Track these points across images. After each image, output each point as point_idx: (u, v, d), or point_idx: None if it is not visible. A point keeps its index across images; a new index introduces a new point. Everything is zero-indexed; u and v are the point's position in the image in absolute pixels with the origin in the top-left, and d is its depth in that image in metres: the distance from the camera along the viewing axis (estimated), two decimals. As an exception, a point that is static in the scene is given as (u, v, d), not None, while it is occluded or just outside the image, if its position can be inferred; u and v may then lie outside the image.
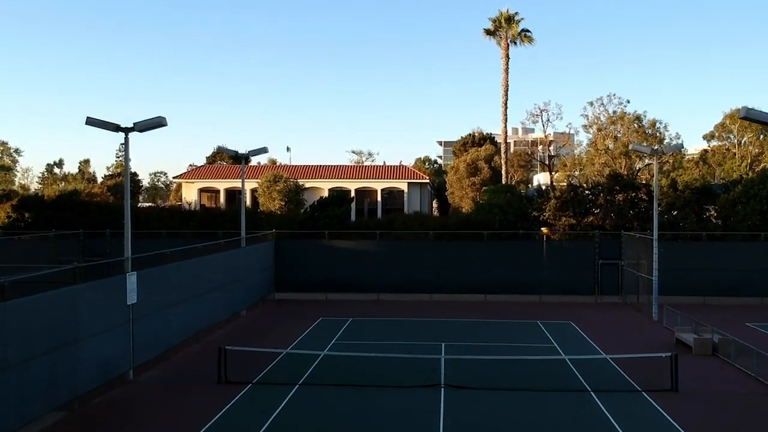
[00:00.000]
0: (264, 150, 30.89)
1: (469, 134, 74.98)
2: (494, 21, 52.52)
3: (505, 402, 17.00)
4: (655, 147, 63.10)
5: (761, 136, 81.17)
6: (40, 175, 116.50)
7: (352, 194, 60.43)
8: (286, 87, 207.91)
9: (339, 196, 40.34)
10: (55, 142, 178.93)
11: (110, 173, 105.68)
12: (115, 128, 19.01)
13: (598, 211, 37.87)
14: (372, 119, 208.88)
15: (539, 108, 68.38)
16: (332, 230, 36.23)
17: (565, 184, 52.88)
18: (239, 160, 32.23)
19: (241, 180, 31.63)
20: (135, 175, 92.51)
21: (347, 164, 79.48)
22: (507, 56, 51.95)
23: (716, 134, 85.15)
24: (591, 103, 62.89)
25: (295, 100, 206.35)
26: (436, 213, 77.90)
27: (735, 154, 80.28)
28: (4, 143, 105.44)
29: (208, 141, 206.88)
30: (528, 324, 27.73)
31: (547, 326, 27.14)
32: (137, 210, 41.41)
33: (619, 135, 59.91)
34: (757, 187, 35.85)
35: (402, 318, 29.03)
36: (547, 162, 68.27)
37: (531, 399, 17.20)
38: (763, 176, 37.05)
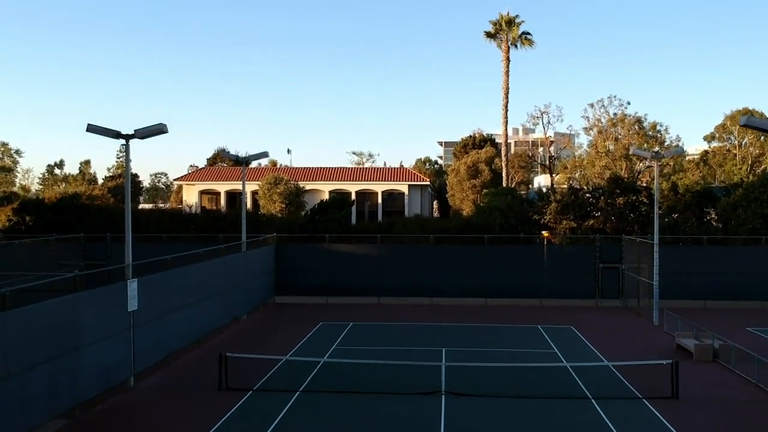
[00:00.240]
0: (264, 154, 30.93)
1: (470, 136, 74.99)
2: (495, 24, 52.55)
3: (506, 409, 17.00)
4: (656, 149, 63.38)
5: (762, 138, 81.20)
6: (41, 176, 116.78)
7: (353, 196, 60.42)
8: (287, 88, 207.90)
9: (340, 199, 40.33)
10: (55, 143, 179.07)
11: (111, 174, 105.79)
12: (116, 135, 18.98)
13: (598, 214, 37.86)
14: (373, 120, 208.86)
15: (540, 110, 68.48)
16: (333, 234, 36.23)
17: (565, 186, 52.91)
18: (240, 162, 32.22)
19: (242, 184, 31.62)
20: (135, 176, 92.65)
21: (348, 166, 79.52)
22: (507, 59, 51.96)
23: (717, 135, 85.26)
24: (592, 105, 63.03)
25: (296, 101, 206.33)
26: (436, 214, 77.96)
27: (735, 155, 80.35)
28: (4, 144, 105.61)
29: (209, 142, 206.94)
30: (529, 328, 27.74)
31: (548, 331, 27.15)
32: (138, 213, 41.48)
33: (619, 137, 59.97)
34: (758, 190, 35.84)
35: (403, 322, 29.03)
36: (547, 164, 68.26)
37: (531, 406, 17.20)
38: (764, 180, 37.04)
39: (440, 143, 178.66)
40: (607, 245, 34.47)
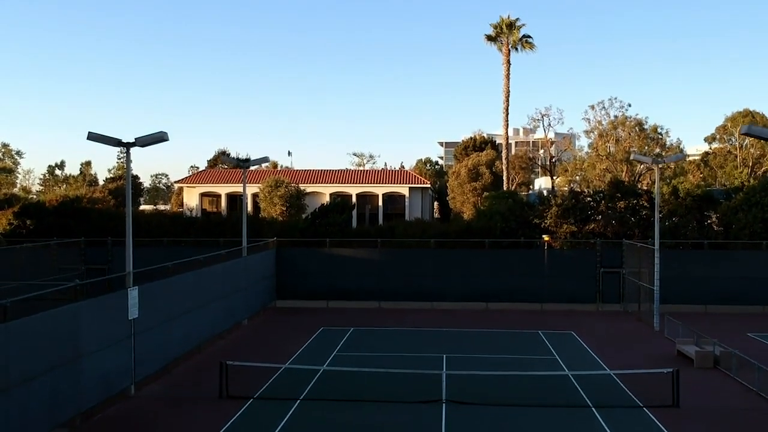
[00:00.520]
0: (265, 159, 30.93)
1: (471, 138, 75.05)
2: (495, 27, 52.54)
3: (507, 418, 17.00)
4: (657, 151, 63.47)
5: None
6: (42, 177, 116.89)
7: (354, 199, 60.55)
8: (288, 89, 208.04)
9: (340, 203, 40.36)
10: (56, 144, 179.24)
11: (112, 176, 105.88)
12: (117, 143, 19.00)
13: (599, 218, 37.84)
14: (373, 121, 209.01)
15: (540, 113, 68.56)
16: (333, 238, 36.23)
17: (566, 189, 52.91)
18: (241, 166, 32.22)
19: (242, 187, 31.60)
20: (136, 177, 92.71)
21: (348, 169, 79.48)
22: (508, 62, 51.95)
23: (717, 136, 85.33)
24: (592, 107, 63.05)
25: (297, 102, 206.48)
26: (437, 215, 77.97)
27: (736, 156, 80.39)
28: (5, 145, 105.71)
29: (210, 142, 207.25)
30: (529, 334, 27.73)
31: (549, 336, 27.13)
32: (139, 216, 41.47)
33: (620, 138, 59.96)
34: (758, 194, 35.84)
35: (403, 328, 29.02)
36: (548, 166, 68.26)
37: (532, 415, 17.19)
38: (765, 184, 37.04)
39: (441, 143, 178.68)
40: (608, 250, 34.46)
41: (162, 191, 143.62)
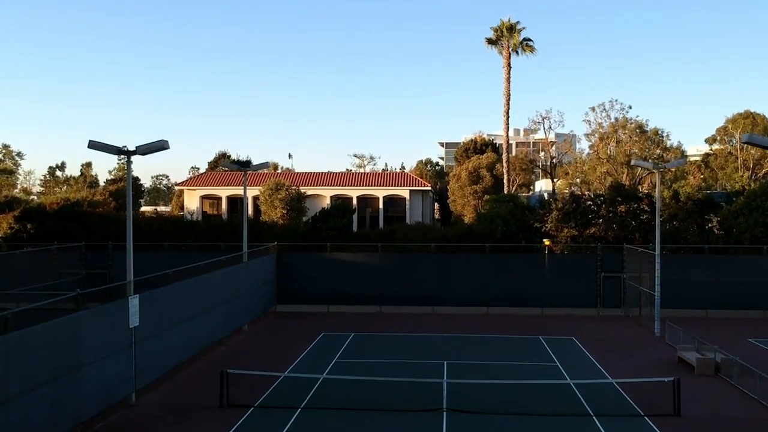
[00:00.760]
0: (265, 165, 30.95)
1: (471, 140, 75.04)
2: (496, 30, 52.47)
3: (507, 426, 16.98)
4: (657, 153, 63.41)
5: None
6: (42, 177, 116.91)
7: (354, 201, 60.50)
8: (289, 89, 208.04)
9: (341, 207, 40.31)
10: (57, 144, 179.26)
11: (113, 177, 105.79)
12: (117, 151, 19.01)
13: (600, 221, 37.81)
14: (374, 122, 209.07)
15: (541, 115, 68.56)
16: (334, 242, 36.22)
17: (566, 191, 52.90)
18: (243, 166, 32.21)
19: (243, 191, 31.55)
20: (137, 179, 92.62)
21: (349, 171, 79.53)
22: (508, 65, 51.92)
23: (718, 138, 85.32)
24: (593, 109, 63.05)
25: (297, 103, 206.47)
26: (437, 216, 77.97)
27: (737, 158, 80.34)
28: (6, 146, 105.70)
29: (210, 143, 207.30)
30: (530, 340, 27.70)
31: (549, 342, 27.11)
32: (139, 220, 41.43)
33: (621, 140, 59.91)
34: (759, 199, 35.80)
35: (404, 333, 29.01)
36: (548, 169, 68.24)
37: (533, 423, 17.17)
38: (766, 188, 37.00)
39: (441, 144, 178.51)
40: (609, 254, 34.42)
41: (163, 192, 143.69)
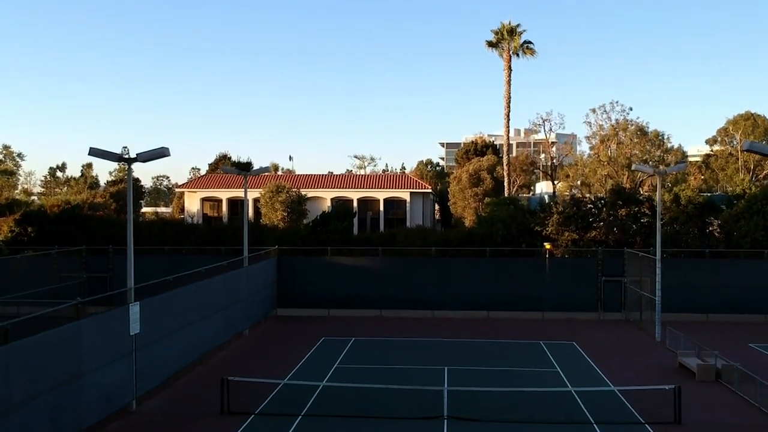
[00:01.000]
0: (265, 170, 30.94)
1: (472, 142, 75.06)
2: (496, 33, 52.44)
3: (508, 436, 16.99)
4: (658, 154, 63.38)
5: (764, 142, 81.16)
6: (43, 178, 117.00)
7: (355, 203, 60.47)
8: (290, 90, 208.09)
9: (341, 210, 40.32)
10: (58, 145, 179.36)
11: (113, 179, 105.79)
12: (118, 159, 19.04)
13: (601, 224, 37.79)
14: (375, 122, 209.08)
15: (542, 117, 68.57)
16: (334, 246, 36.21)
17: (567, 194, 52.90)
18: (243, 169, 32.21)
19: (244, 196, 31.57)
20: (137, 180, 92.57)
21: (349, 173, 79.50)
22: (509, 68, 51.89)
23: (719, 139, 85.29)
24: (594, 110, 63.05)
25: (298, 104, 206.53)
26: (438, 217, 78.00)
27: (738, 159, 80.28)
28: (6, 147, 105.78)
29: (211, 144, 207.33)
30: (531, 345, 27.69)
31: (550, 347, 27.09)
32: (140, 223, 41.46)
33: (622, 142, 59.90)
34: (760, 202, 35.79)
35: (405, 338, 28.99)
36: (549, 171, 68.23)
37: (533, 431, 17.19)
38: (766, 191, 36.98)
39: (442, 144, 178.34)
40: (610, 258, 34.42)
41: (163, 193, 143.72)
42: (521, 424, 17.70)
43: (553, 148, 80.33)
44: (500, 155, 64.90)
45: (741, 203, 36.89)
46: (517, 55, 52.39)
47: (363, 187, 62.35)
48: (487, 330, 30.87)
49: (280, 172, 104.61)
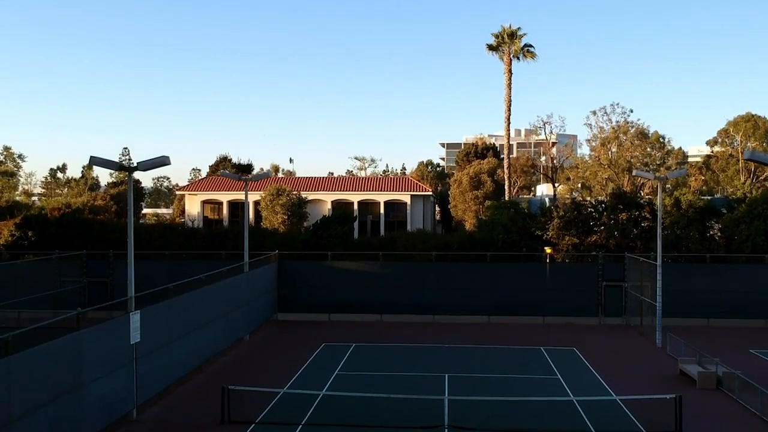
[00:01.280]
0: (266, 174, 30.95)
1: (472, 144, 75.06)
2: (497, 36, 52.39)
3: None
4: (659, 157, 63.32)
5: (765, 143, 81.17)
6: (44, 179, 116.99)
7: (355, 206, 60.48)
8: (291, 92, 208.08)
9: (342, 215, 40.31)
10: (58, 145, 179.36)
11: (114, 180, 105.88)
12: (119, 167, 19.04)
13: (602, 228, 37.77)
14: (376, 123, 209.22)
15: (542, 120, 68.53)
16: (335, 250, 36.19)
17: (568, 197, 52.86)
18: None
19: (245, 201, 31.56)
20: (138, 182, 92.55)
21: (350, 175, 79.48)
22: (510, 71, 51.84)
23: (719, 140, 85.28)
24: (594, 113, 63.01)
25: (299, 105, 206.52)
26: (438, 218, 78.00)
27: (738, 160, 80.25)
28: (7, 148, 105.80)
29: (212, 144, 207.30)
30: (531, 351, 27.67)
31: (551, 353, 27.07)
32: (140, 228, 41.42)
33: (623, 143, 59.85)
34: (761, 207, 35.78)
35: (405, 344, 28.97)
36: (549, 174, 68.19)
37: (534, 442, 17.16)
38: (767, 196, 36.95)
39: (442, 144, 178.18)
40: (610, 263, 34.40)
41: (164, 194, 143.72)
42: (522, 433, 17.69)
43: (554, 149, 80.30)
44: (501, 157, 64.86)
45: (742, 207, 36.88)
46: (518, 58, 52.37)
47: (363, 190, 62.31)
48: (487, 335, 30.86)
49: (280, 174, 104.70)
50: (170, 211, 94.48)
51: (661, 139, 58.78)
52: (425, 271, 34.99)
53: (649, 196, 45.94)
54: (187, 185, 68.57)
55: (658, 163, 60.48)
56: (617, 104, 72.45)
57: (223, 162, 75.80)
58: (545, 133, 68.57)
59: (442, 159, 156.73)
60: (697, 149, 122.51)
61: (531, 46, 52.48)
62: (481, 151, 71.65)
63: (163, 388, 21.02)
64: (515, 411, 19.37)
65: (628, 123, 61.43)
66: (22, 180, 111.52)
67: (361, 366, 25.15)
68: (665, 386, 21.95)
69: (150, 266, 32.96)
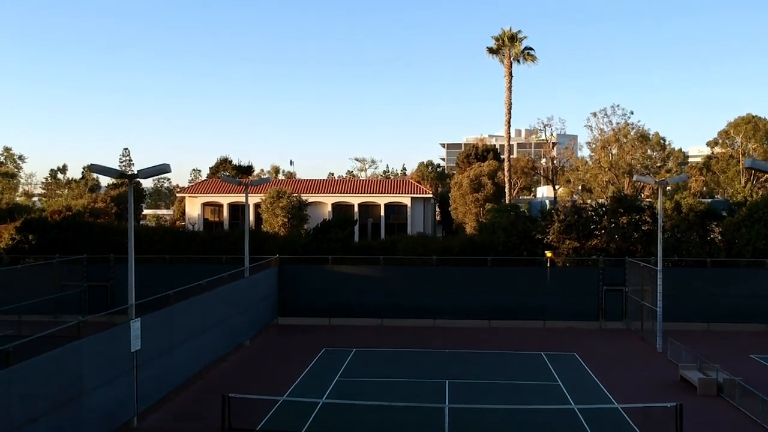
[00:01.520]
0: (267, 179, 30.94)
1: (473, 145, 75.10)
2: (497, 39, 52.36)
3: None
4: (660, 157, 63.31)
5: (765, 144, 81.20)
6: (44, 180, 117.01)
7: (355, 208, 60.50)
8: (292, 92, 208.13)
9: (343, 218, 40.30)
10: (59, 146, 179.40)
11: (114, 182, 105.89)
12: (119, 175, 19.03)
13: (602, 232, 37.76)
14: (376, 124, 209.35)
15: (542, 122, 68.53)
16: (335, 254, 36.17)
17: (568, 200, 52.81)
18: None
19: (245, 206, 31.54)
20: (138, 183, 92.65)
21: (350, 177, 79.48)
22: (510, 74, 51.81)
23: (720, 141, 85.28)
24: (594, 114, 62.99)
25: (301, 106, 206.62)
26: (438, 219, 78.02)
27: (738, 161, 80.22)
28: (7, 149, 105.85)
29: (212, 145, 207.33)
30: (532, 356, 27.65)
31: (551, 359, 27.06)
32: (140, 231, 41.37)
33: (623, 144, 59.83)
34: (761, 210, 35.74)
35: (406, 348, 28.95)
36: (550, 176, 68.16)
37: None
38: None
39: (443, 145, 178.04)
40: (611, 267, 34.38)
41: (164, 194, 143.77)
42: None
43: (554, 150, 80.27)
44: (501, 159, 64.85)
45: (742, 211, 36.85)
46: (518, 61, 52.35)
47: (364, 193, 62.31)
48: (488, 340, 30.85)
49: (281, 175, 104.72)
50: (171, 212, 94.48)
51: (662, 141, 58.70)
52: (426, 275, 34.98)
53: (650, 199, 45.98)
54: (188, 187, 68.61)
55: (658, 165, 60.45)
56: (617, 106, 72.36)
57: (224, 164, 75.81)
58: (545, 135, 68.54)
59: (443, 159, 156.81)
60: (697, 149, 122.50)
61: (531, 49, 52.55)
62: (482, 152, 71.67)
63: (164, 395, 21.02)
64: (516, 419, 19.37)
65: (628, 125, 61.47)
66: (22, 181, 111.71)
67: (361, 372, 25.15)
68: (666, 393, 21.95)
69: (150, 270, 32.97)
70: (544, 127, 62.34)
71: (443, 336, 31.48)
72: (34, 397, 14.54)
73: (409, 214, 60.56)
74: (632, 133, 57.75)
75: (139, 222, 74.37)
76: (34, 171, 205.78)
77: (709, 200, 51.12)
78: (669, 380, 23.85)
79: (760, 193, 47.10)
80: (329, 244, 37.43)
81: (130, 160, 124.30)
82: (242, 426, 18.55)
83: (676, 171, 64.47)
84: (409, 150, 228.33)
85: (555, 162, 77.43)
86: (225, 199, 62.10)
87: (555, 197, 68.31)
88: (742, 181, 65.83)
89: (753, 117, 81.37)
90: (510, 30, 51.58)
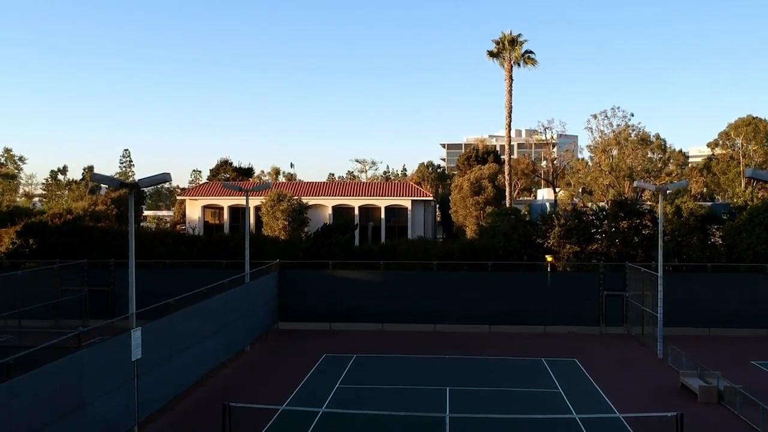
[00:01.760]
0: (267, 185, 30.89)
1: (473, 147, 75.08)
2: (497, 43, 52.30)
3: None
4: (660, 159, 63.29)
5: (765, 146, 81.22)
6: (44, 181, 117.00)
7: (356, 211, 60.46)
8: (293, 93, 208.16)
9: (343, 223, 40.26)
10: (59, 146, 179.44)
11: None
12: (120, 185, 19.02)
13: (603, 237, 37.73)
14: (377, 124, 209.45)
15: (543, 125, 68.52)
16: (336, 259, 36.15)
17: (568, 202, 52.84)
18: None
19: (246, 207, 31.54)
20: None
21: (351, 179, 79.46)
22: (510, 78, 51.74)
23: (720, 142, 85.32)
24: (595, 116, 62.98)
25: (301, 107, 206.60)
26: (438, 220, 77.98)
27: (739, 162, 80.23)
28: (8, 150, 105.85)
29: (212, 146, 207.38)
30: (532, 362, 27.64)
31: (552, 365, 27.04)
32: (141, 235, 41.32)
33: (624, 146, 59.81)
34: (762, 215, 35.71)
35: (406, 354, 28.95)
36: (550, 179, 68.15)
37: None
38: (769, 204, 36.90)
39: (443, 145, 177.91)
40: (611, 272, 34.37)
41: (164, 195, 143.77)
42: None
43: (554, 150, 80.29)
44: (501, 161, 64.79)
45: (743, 215, 36.82)
46: (518, 65, 52.28)
47: (364, 195, 62.29)
48: (488, 345, 30.84)
49: (281, 177, 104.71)
50: (171, 213, 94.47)
51: (663, 144, 58.68)
52: (426, 280, 34.97)
53: (650, 203, 45.89)
54: (188, 190, 68.62)
55: (659, 167, 60.42)
56: (618, 108, 72.38)
57: (224, 166, 75.78)
58: (546, 137, 68.49)
59: (443, 160, 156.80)
60: (698, 150, 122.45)
61: (531, 52, 52.50)
62: (482, 155, 71.63)
63: (165, 404, 21.01)
64: (516, 426, 19.36)
65: (629, 126, 61.45)
66: (22, 182, 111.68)
67: (362, 379, 25.13)
68: (666, 400, 21.97)
69: (151, 275, 32.99)
70: (545, 129, 62.33)
71: (444, 341, 31.48)
72: (36, 409, 14.53)
73: (409, 216, 60.53)
74: (633, 136, 57.72)
75: (140, 224, 74.28)
76: (35, 172, 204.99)
77: (710, 203, 51.04)
78: (670, 387, 23.85)
79: (761, 196, 47.02)
80: (330, 248, 37.39)
81: (131, 162, 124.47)
82: (243, 435, 18.54)
83: (677, 174, 64.46)
84: (409, 150, 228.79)
85: (555, 163, 77.47)
86: (225, 202, 62.08)
87: (555, 200, 68.34)
88: (743, 184, 65.78)
89: (753, 118, 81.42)
90: (510, 33, 51.56)
